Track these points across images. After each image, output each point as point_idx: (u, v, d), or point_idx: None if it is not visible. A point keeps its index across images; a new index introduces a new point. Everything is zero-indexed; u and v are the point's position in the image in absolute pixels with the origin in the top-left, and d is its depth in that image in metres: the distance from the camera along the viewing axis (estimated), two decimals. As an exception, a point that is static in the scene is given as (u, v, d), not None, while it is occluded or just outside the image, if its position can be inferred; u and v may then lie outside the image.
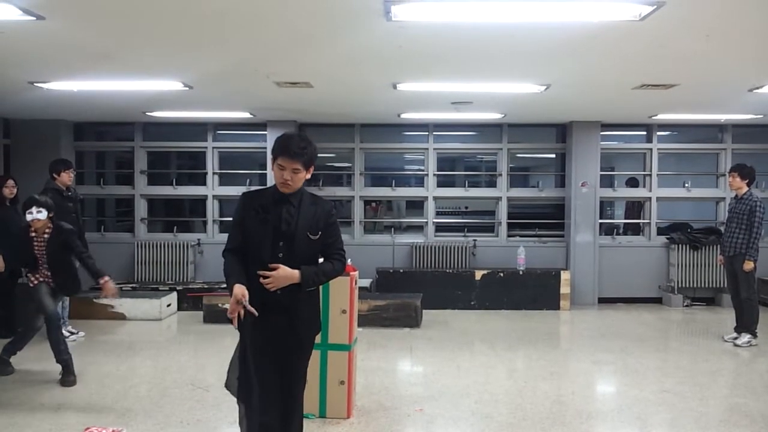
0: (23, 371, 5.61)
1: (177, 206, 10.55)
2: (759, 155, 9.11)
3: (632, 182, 9.74)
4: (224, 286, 8.31)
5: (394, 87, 6.22)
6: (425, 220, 9.48)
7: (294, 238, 3.12)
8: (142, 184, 9.50)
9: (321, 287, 3.38)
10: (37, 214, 5.25)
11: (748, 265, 6.59)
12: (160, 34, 4.47)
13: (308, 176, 3.18)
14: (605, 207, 10.30)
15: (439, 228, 9.58)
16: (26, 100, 7.07)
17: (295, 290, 3.12)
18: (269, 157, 3.22)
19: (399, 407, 4.76)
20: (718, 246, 8.64)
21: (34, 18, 3.95)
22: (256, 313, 3.01)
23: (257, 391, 3.15)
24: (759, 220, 6.57)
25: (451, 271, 8.91)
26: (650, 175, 9.32)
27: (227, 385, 3.72)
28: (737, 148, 9.26)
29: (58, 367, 5.29)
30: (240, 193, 3.37)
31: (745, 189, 6.74)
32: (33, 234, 5.34)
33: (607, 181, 9.43)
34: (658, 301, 9.20)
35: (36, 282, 5.37)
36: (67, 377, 5.25)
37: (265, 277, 3.06)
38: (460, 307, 8.60)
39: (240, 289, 3.02)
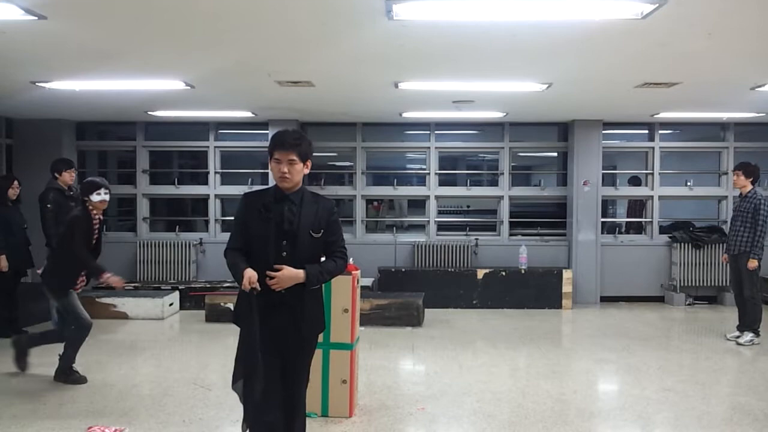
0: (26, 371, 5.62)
1: (179, 205, 10.57)
2: (761, 153, 9.08)
3: (635, 181, 9.73)
4: (226, 285, 8.39)
5: (396, 86, 6.22)
6: (427, 219, 9.48)
7: (297, 236, 3.13)
8: (144, 184, 9.51)
9: (323, 285, 3.38)
10: (105, 195, 5.20)
11: (753, 264, 6.58)
12: (162, 34, 4.48)
13: (306, 171, 3.18)
14: (607, 206, 10.29)
15: (441, 227, 9.58)
16: (28, 99, 7.08)
17: (300, 289, 3.13)
18: None
19: (401, 406, 4.77)
20: (721, 244, 8.67)
21: (36, 18, 3.95)
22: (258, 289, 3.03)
23: (260, 390, 3.15)
24: (763, 219, 6.55)
25: (453, 270, 8.91)
26: (652, 174, 9.31)
27: (234, 388, 3.69)
28: (739, 146, 9.24)
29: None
30: (242, 193, 3.37)
31: (750, 187, 6.73)
32: (96, 218, 5.24)
33: (609, 180, 9.43)
34: (660, 299, 9.19)
35: (79, 285, 5.28)
36: (69, 376, 5.25)
37: (271, 278, 3.06)
38: (462, 306, 8.60)
39: (251, 272, 3.01)
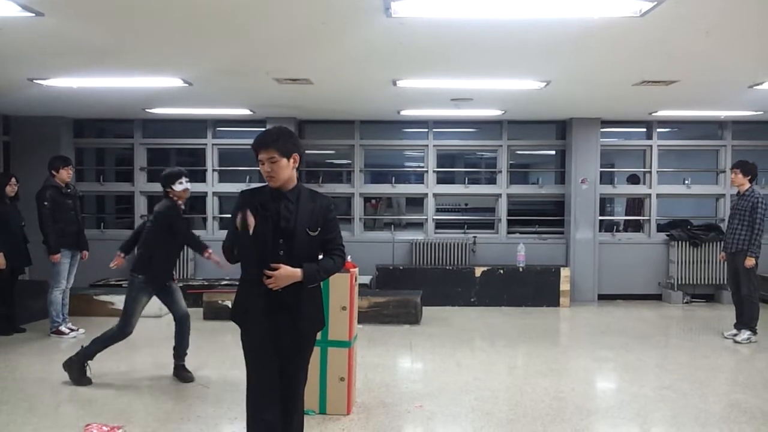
0: (23, 368, 5.62)
1: (177, 203, 10.53)
2: (759, 152, 9.10)
3: (633, 179, 9.74)
4: (224, 283, 8.37)
5: (394, 83, 6.22)
6: (425, 217, 9.48)
7: (294, 234, 3.12)
8: (141, 181, 9.50)
9: (322, 283, 3.38)
10: (187, 184, 5.20)
11: (750, 262, 6.59)
12: (160, 31, 4.47)
13: (294, 165, 3.15)
14: (605, 204, 10.30)
15: (439, 225, 9.59)
16: (26, 97, 7.07)
17: (298, 288, 3.12)
18: None
19: (399, 404, 4.77)
20: (718, 243, 8.69)
21: (34, 14, 3.95)
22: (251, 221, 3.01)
23: (258, 388, 3.15)
24: (761, 217, 6.56)
25: (451, 267, 8.91)
26: (650, 172, 9.33)
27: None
28: (737, 144, 9.26)
29: (56, 365, 5.27)
30: (239, 191, 3.36)
31: (748, 186, 6.74)
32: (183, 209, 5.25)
33: (607, 178, 9.44)
34: (657, 297, 9.20)
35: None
36: (185, 373, 5.32)
37: (268, 277, 3.05)
38: (460, 304, 8.61)
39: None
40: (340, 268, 3.35)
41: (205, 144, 9.40)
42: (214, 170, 9.40)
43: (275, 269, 3.05)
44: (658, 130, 9.32)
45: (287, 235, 3.11)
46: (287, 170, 3.12)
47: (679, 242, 9.02)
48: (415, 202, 9.94)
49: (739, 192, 6.83)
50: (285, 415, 3.20)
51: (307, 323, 3.24)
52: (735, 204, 6.88)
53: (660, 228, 9.39)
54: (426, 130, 9.38)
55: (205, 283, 8.52)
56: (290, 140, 3.15)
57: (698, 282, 9.02)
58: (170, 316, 7.85)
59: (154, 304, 7.72)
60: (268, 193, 3.16)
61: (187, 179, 5.22)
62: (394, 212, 10.79)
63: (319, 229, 3.18)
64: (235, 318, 3.23)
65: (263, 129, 9.53)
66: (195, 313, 7.81)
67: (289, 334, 3.17)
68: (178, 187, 5.15)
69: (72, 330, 6.81)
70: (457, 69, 5.68)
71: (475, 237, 9.28)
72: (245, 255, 3.14)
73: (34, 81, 6.17)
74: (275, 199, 3.14)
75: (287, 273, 3.06)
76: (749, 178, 6.75)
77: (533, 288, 8.66)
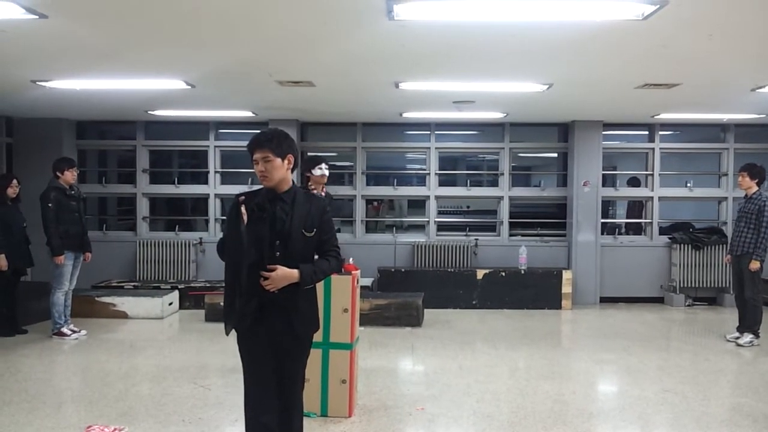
0: (25, 370, 5.62)
1: (179, 205, 10.57)
2: (761, 155, 9.07)
3: (634, 182, 9.74)
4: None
5: (396, 86, 6.23)
6: (427, 220, 9.48)
7: (290, 236, 3.12)
8: (144, 183, 9.51)
9: (323, 285, 3.37)
10: (326, 170, 5.26)
11: (755, 265, 6.58)
12: (163, 33, 4.48)
13: (289, 166, 3.17)
14: (607, 206, 10.31)
15: (441, 227, 9.59)
16: (29, 98, 7.08)
17: (293, 289, 3.12)
18: None
19: (400, 406, 4.76)
20: (720, 246, 8.69)
21: (37, 17, 3.96)
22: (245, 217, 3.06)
23: (255, 390, 3.15)
24: (767, 221, 6.55)
25: (452, 270, 8.91)
26: (652, 175, 9.32)
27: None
28: (739, 147, 9.25)
29: (58, 366, 5.27)
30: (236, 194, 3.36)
31: (755, 189, 6.72)
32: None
33: (609, 181, 9.44)
34: (659, 300, 9.19)
35: None
36: None
37: (265, 278, 3.05)
38: (461, 307, 8.60)
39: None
40: (336, 269, 3.35)
41: (208, 146, 9.41)
42: (216, 172, 9.41)
43: (272, 271, 3.05)
44: (661, 132, 9.32)
45: (283, 236, 3.11)
46: (281, 170, 3.14)
47: (681, 245, 9.01)
48: (417, 205, 9.94)
49: (746, 195, 6.82)
50: (284, 417, 3.20)
51: (302, 324, 3.23)
52: (742, 207, 6.86)
53: (662, 231, 9.39)
54: (428, 132, 9.39)
55: (207, 285, 8.52)
56: (285, 141, 3.17)
57: (700, 285, 9.01)
58: (173, 317, 7.93)
59: (156, 307, 7.82)
60: (264, 196, 3.17)
61: (327, 165, 5.32)
62: (396, 214, 10.80)
63: (315, 230, 3.18)
64: (227, 320, 3.20)
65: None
66: (196, 315, 7.89)
67: (284, 335, 3.17)
68: (317, 172, 5.28)
69: (74, 331, 6.81)
70: (459, 72, 5.69)
71: (476, 239, 9.28)
72: (238, 256, 3.10)
73: (37, 83, 6.18)
74: (271, 201, 3.15)
75: (284, 274, 3.06)
76: (756, 181, 6.72)
77: (535, 290, 8.65)
